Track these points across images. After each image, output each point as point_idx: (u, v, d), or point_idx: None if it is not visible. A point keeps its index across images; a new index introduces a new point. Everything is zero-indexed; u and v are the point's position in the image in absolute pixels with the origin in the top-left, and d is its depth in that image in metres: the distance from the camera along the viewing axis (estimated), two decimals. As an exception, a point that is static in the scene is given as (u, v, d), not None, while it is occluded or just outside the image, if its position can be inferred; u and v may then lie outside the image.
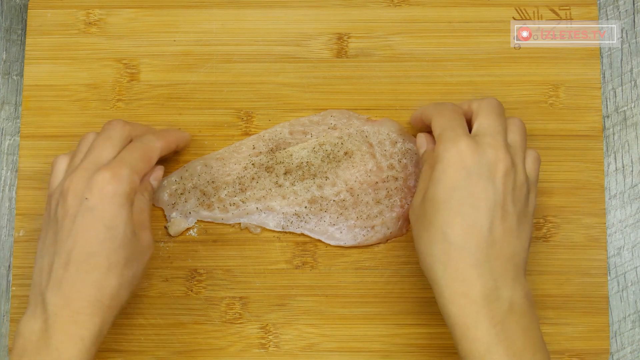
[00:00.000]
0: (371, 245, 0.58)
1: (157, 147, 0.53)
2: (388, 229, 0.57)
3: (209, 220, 0.58)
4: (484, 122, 0.51)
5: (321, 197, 0.58)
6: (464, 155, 0.48)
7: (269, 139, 0.57)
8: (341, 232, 0.58)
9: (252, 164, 0.58)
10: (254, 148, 0.57)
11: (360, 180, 0.57)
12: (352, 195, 0.57)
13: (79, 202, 0.49)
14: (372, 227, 0.57)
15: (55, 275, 0.48)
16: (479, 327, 0.46)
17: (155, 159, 0.53)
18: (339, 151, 0.57)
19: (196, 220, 0.58)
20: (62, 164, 0.53)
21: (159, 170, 0.55)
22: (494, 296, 0.47)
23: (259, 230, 0.58)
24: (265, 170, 0.58)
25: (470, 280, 0.47)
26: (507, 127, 0.52)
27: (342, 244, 0.58)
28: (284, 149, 0.58)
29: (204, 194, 0.58)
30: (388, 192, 0.57)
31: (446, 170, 0.48)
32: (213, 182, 0.58)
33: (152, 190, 0.55)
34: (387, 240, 0.58)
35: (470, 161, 0.48)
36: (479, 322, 0.46)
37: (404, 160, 0.57)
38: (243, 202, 0.58)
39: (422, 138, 0.55)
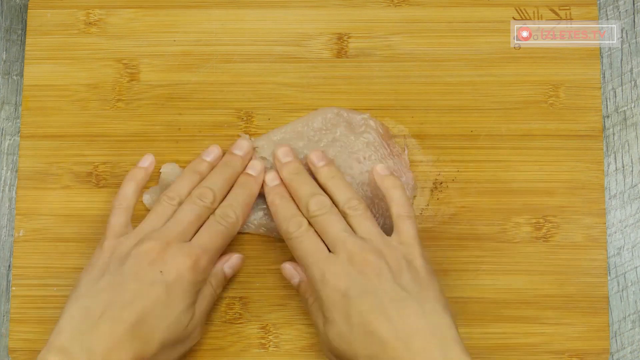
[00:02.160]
0: None
1: (237, 227, 0.55)
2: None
3: None
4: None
5: None
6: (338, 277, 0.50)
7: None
8: None
9: None
10: None
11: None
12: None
13: (152, 271, 0.50)
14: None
15: (101, 330, 0.48)
16: None
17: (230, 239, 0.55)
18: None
19: None
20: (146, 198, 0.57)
21: (237, 260, 0.56)
22: None
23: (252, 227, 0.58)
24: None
25: None
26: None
27: None
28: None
29: None
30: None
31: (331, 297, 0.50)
32: None
33: (223, 279, 0.55)
34: None
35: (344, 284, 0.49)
36: None
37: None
38: None
39: (289, 268, 0.56)
